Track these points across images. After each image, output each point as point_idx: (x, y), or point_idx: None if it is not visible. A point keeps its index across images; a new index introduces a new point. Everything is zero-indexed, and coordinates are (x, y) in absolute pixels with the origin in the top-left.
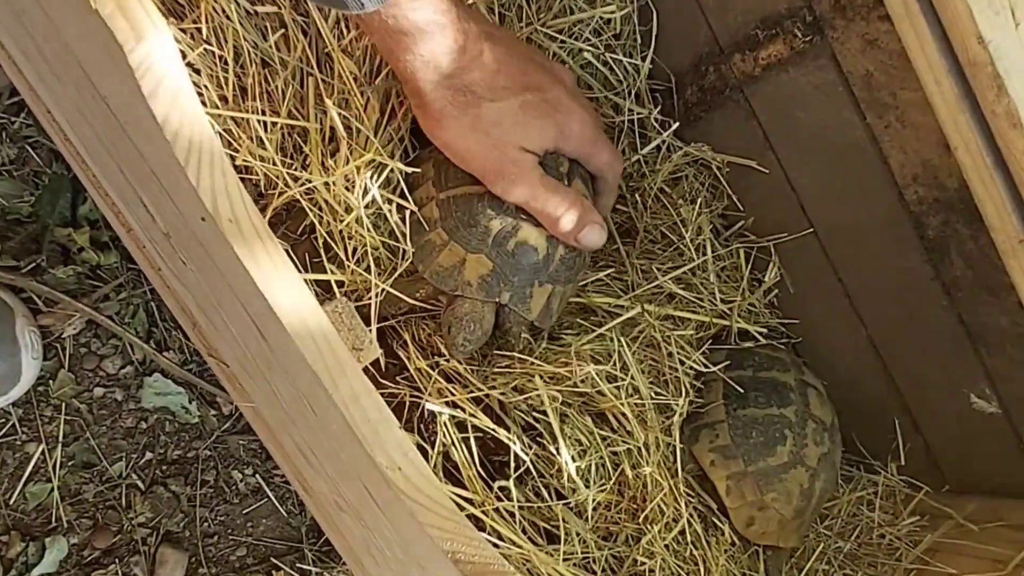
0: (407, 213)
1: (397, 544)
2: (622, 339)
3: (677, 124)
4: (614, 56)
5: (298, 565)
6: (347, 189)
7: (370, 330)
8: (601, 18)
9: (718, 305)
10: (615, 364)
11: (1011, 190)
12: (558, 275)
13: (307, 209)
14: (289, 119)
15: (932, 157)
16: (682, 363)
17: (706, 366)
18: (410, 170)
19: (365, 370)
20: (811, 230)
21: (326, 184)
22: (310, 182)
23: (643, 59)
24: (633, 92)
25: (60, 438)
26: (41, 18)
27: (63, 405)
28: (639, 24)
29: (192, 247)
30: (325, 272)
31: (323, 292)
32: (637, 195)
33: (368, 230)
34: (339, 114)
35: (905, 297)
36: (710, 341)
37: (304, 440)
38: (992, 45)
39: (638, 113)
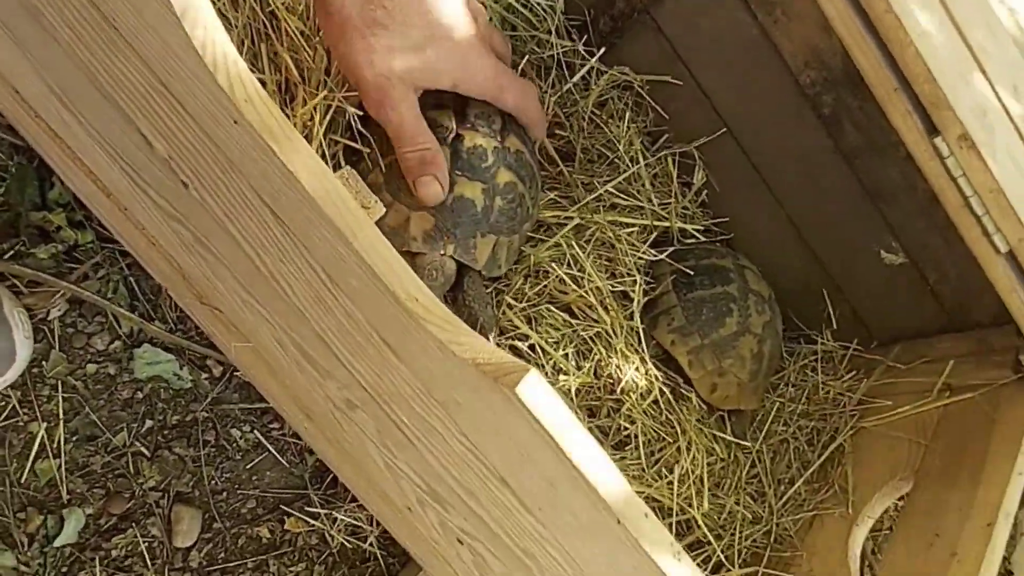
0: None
1: (416, 395)
2: (574, 242)
3: (603, 51)
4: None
5: (307, 509)
6: (306, 137)
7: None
8: None
9: (656, 209)
10: (570, 265)
11: (881, 46)
12: (499, 225)
13: None
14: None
15: (817, 41)
16: (632, 257)
17: (654, 255)
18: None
19: None
20: (724, 129)
21: None
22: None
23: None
24: (553, 29)
25: (61, 415)
26: None
27: (59, 384)
28: None
29: (198, 158)
30: None
31: None
32: (571, 120)
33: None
34: (292, 58)
35: (813, 173)
36: (652, 243)
37: (314, 330)
38: None
39: (563, 47)
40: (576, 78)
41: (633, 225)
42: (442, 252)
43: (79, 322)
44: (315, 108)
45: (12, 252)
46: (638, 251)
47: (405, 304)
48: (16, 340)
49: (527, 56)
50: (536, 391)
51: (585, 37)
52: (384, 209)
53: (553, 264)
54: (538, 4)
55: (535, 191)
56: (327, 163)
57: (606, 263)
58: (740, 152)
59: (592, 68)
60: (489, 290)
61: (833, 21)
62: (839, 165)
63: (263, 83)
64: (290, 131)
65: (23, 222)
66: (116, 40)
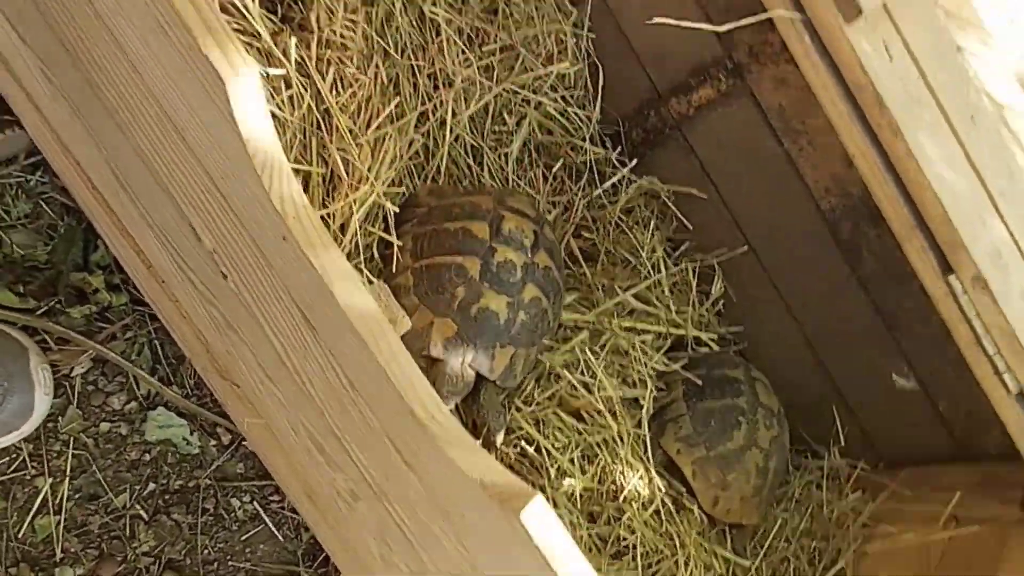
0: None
1: (421, 501)
2: (588, 348)
3: (634, 162)
4: (570, 108)
5: None
6: (342, 228)
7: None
8: (557, 74)
9: (673, 316)
10: (583, 371)
11: (900, 186)
12: (520, 338)
13: None
14: (295, 164)
15: (839, 171)
16: (645, 364)
17: (667, 365)
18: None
19: None
20: (746, 245)
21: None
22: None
23: (595, 107)
24: (588, 136)
25: (68, 472)
26: (118, 64)
27: (71, 440)
28: (589, 78)
29: (241, 257)
30: None
31: None
32: (598, 224)
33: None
34: (340, 154)
35: (830, 294)
36: (668, 349)
37: (329, 425)
38: (872, 73)
39: (596, 154)
40: (607, 185)
41: (649, 331)
42: (461, 360)
43: (100, 380)
44: (355, 201)
45: (47, 309)
46: (651, 359)
47: (422, 420)
48: (36, 397)
49: (562, 160)
50: (540, 518)
51: (619, 148)
52: (410, 324)
53: (566, 370)
54: (575, 114)
55: (558, 305)
56: (359, 254)
57: (619, 368)
58: (759, 267)
59: (623, 177)
60: (503, 396)
61: (855, 158)
62: (856, 290)
63: (309, 175)
64: (331, 247)
65: (63, 281)
66: (183, 148)
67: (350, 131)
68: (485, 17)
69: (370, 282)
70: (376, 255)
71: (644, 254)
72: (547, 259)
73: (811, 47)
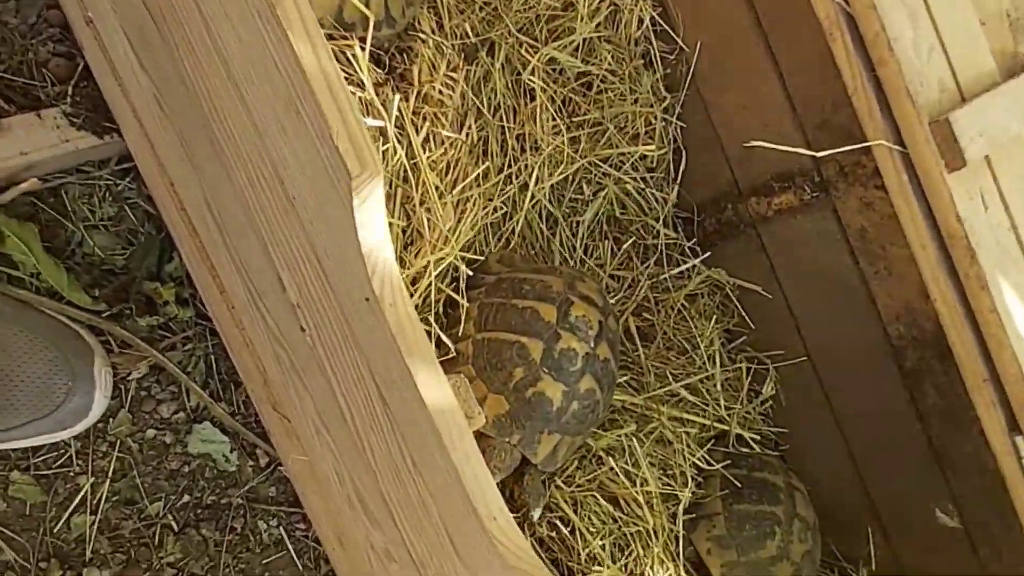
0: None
1: None
2: (634, 435)
3: (707, 255)
4: (648, 188)
5: None
6: (413, 282)
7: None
8: (642, 154)
9: (721, 412)
10: (627, 460)
11: (978, 337)
12: (568, 426)
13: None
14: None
15: (913, 302)
16: (687, 459)
17: (708, 463)
18: (471, 273)
19: None
20: (805, 353)
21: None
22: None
23: (672, 191)
24: (660, 218)
25: (109, 474)
26: (241, 124)
27: (117, 443)
28: (672, 162)
29: (326, 321)
30: None
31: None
32: (660, 306)
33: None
34: (424, 210)
35: (883, 419)
36: (711, 442)
37: (379, 487)
38: (967, 223)
39: (668, 237)
40: (675, 271)
41: (694, 423)
42: (507, 439)
43: (154, 387)
44: (434, 261)
45: (116, 312)
46: (694, 454)
47: (483, 520)
48: (95, 399)
49: (632, 238)
50: None
51: (691, 235)
52: (484, 420)
53: (611, 456)
54: (652, 194)
55: (610, 397)
56: (429, 309)
57: (660, 457)
58: (815, 377)
59: (689, 258)
60: (544, 476)
61: (936, 301)
62: (912, 421)
63: (391, 225)
64: (421, 337)
65: (135, 288)
66: (292, 214)
67: (436, 188)
68: (579, 89)
69: (442, 316)
70: (441, 313)
71: (702, 346)
72: (607, 351)
73: (907, 185)
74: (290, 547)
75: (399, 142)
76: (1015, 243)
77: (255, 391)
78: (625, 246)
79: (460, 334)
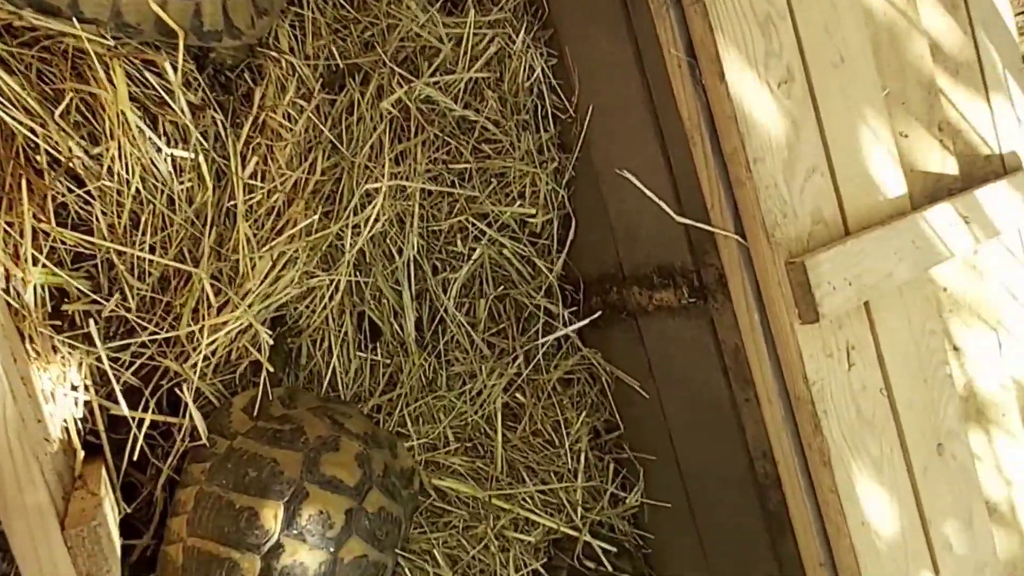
0: None
1: None
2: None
3: (586, 321)
4: (529, 252)
5: None
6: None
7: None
8: (523, 215)
9: (576, 520)
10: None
11: (818, 517)
12: None
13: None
14: (176, 261)
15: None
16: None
17: None
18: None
19: None
20: (675, 464)
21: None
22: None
23: (559, 261)
24: (543, 287)
25: None
26: None
27: None
28: (558, 227)
29: None
30: None
31: None
32: (532, 387)
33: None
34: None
35: (746, 558)
36: (554, 543)
37: None
38: (816, 387)
39: (549, 306)
40: (551, 339)
41: (537, 525)
42: None
43: None
44: (211, 327)
45: None
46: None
47: None
48: None
49: (508, 297)
50: None
51: (575, 309)
52: None
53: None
54: (537, 259)
55: (394, 553)
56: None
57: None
58: (682, 490)
59: (568, 339)
60: None
61: (779, 466)
62: (772, 567)
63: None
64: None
65: None
66: None
67: (247, 240)
68: (459, 136)
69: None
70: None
71: (568, 442)
72: (360, 546)
73: (759, 329)
74: None
75: (221, 177)
76: (886, 409)
77: None
78: (504, 312)
79: (172, 533)
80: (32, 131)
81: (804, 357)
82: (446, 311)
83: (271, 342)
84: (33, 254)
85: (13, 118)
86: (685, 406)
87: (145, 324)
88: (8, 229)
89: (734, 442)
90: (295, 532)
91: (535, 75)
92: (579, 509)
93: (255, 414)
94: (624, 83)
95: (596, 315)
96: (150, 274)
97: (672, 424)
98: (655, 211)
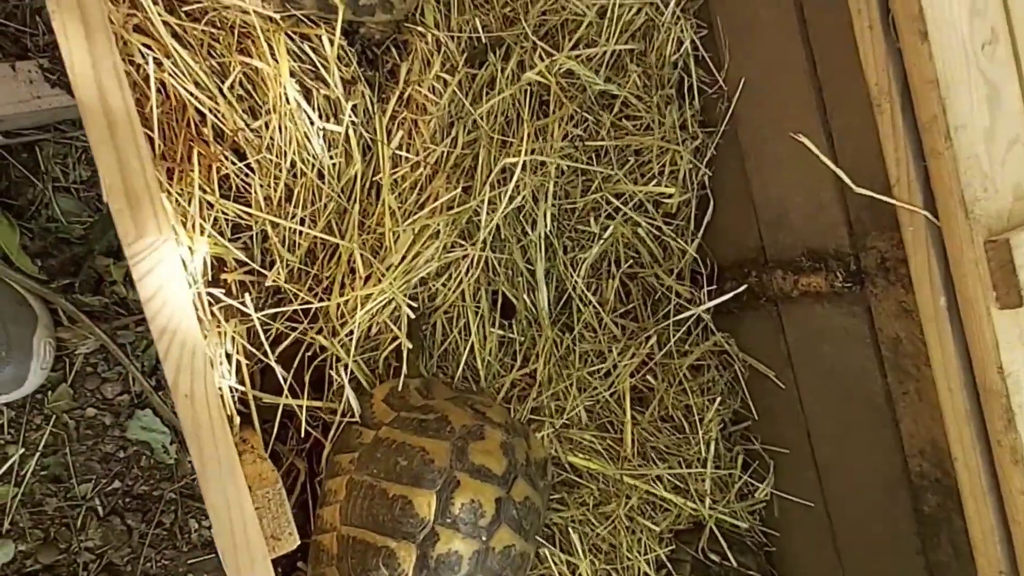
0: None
1: None
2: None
3: (727, 296)
4: (664, 236)
5: None
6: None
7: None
8: (660, 195)
9: (704, 511)
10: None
11: (1001, 519)
12: None
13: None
14: (324, 233)
15: (942, 440)
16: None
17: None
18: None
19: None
20: (812, 461)
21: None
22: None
23: (693, 244)
24: (676, 270)
25: (40, 447)
26: None
27: (53, 417)
28: (695, 209)
29: None
30: None
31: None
32: (662, 371)
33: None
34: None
35: (889, 560)
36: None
37: None
38: (1012, 378)
39: (681, 290)
40: (687, 316)
41: (668, 511)
42: None
43: (100, 365)
44: (361, 299)
45: (66, 284)
46: (655, 549)
47: None
48: (31, 369)
49: (638, 278)
50: None
51: (700, 288)
52: (296, 541)
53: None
54: (670, 241)
55: (535, 542)
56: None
57: (610, 548)
58: (819, 489)
59: (701, 324)
60: None
61: (956, 463)
62: (919, 571)
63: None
64: (222, 437)
65: (88, 262)
66: None
67: (391, 213)
68: (598, 111)
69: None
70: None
71: (700, 431)
72: (509, 536)
73: (944, 314)
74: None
75: (368, 149)
76: None
77: None
78: (633, 293)
79: (324, 522)
80: (201, 104)
81: (1000, 345)
82: (574, 289)
83: (412, 316)
84: (201, 224)
85: (187, 90)
86: (828, 398)
87: (295, 295)
88: (178, 199)
89: (886, 439)
90: (448, 520)
91: (683, 47)
92: (707, 499)
93: (395, 404)
94: (783, 52)
95: (741, 288)
96: (299, 246)
97: (811, 417)
98: (808, 190)
